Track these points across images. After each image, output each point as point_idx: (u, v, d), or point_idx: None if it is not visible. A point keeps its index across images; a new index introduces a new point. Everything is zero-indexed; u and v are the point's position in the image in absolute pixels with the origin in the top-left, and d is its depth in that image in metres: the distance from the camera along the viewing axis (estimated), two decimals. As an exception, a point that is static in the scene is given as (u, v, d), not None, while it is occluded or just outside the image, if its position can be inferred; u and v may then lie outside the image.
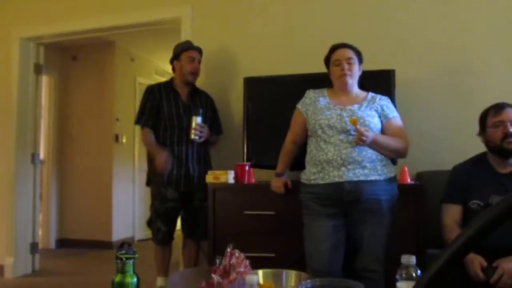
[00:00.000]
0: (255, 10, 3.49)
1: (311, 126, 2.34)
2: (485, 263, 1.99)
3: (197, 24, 3.58)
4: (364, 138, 2.10)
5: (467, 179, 2.23)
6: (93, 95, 5.70)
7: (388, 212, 2.24)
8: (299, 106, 2.47)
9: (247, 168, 2.88)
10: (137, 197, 6.06)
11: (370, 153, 2.21)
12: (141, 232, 6.00)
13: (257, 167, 3.01)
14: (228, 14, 3.55)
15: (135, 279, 1.42)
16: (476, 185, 2.19)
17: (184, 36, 3.55)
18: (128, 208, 5.91)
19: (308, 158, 2.36)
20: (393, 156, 2.34)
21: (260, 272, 1.73)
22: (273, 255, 2.64)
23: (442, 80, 3.08)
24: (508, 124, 2.15)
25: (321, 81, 2.52)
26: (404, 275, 1.43)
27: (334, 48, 2.40)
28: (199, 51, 3.20)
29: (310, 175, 2.30)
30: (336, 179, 2.20)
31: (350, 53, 2.35)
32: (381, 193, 2.21)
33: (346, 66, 2.33)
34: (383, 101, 2.37)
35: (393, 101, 2.78)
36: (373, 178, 2.20)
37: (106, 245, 5.39)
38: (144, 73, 6.24)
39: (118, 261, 1.42)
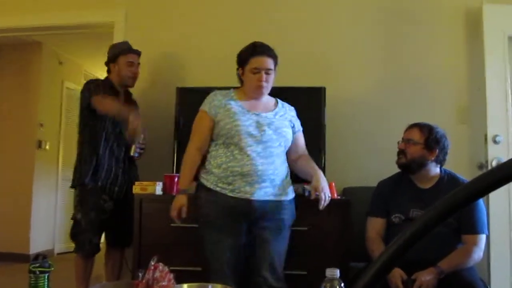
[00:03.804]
0: (190, 20, 3.47)
1: (224, 131, 2.16)
2: (405, 276, 2.08)
3: (130, 30, 3.49)
4: (327, 199, 2.09)
5: (390, 193, 2.34)
6: (16, 97, 5.37)
7: (288, 231, 2.24)
8: (205, 108, 2.26)
9: (176, 179, 2.82)
10: (59, 207, 5.75)
11: (282, 171, 2.19)
12: (62, 244, 5.69)
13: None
14: (163, 21, 3.49)
15: (49, 294, 1.33)
16: (398, 200, 2.30)
17: (117, 42, 3.44)
18: (49, 219, 5.59)
19: (214, 162, 2.19)
20: None
21: (185, 286, 1.69)
22: (199, 269, 2.59)
23: (368, 99, 3.21)
24: (403, 141, 2.32)
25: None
26: (328, 288, 1.45)
27: (255, 53, 2.23)
28: (138, 54, 3.05)
29: (218, 181, 2.15)
30: (247, 196, 2.12)
31: (270, 64, 2.22)
32: (285, 212, 2.20)
33: (264, 77, 2.20)
34: (292, 112, 2.34)
35: (322, 119, 2.87)
36: (281, 198, 2.18)
37: (22, 258, 5.05)
38: (73, 78, 5.98)
39: (31, 275, 1.34)
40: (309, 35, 3.30)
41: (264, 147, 2.14)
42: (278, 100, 2.36)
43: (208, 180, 2.18)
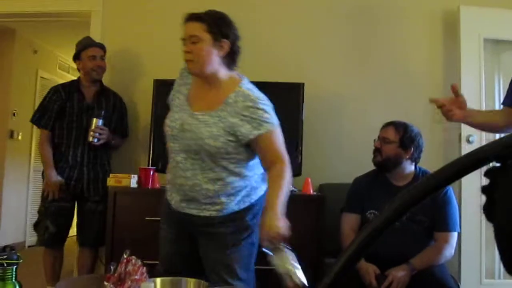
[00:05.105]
0: (168, 11, 3.41)
1: None
2: (378, 272, 2.11)
3: (107, 19, 3.42)
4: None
5: (366, 190, 2.36)
6: (-14, 85, 5.23)
7: (235, 244, 1.77)
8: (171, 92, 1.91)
9: (151, 172, 2.78)
10: (30, 198, 5.63)
11: (205, 189, 1.71)
12: (34, 237, 5.56)
13: (164, 172, 2.92)
14: (141, 12, 3.43)
15: (17, 288, 1.30)
16: (373, 196, 2.32)
17: (94, 31, 3.38)
18: (20, 211, 5.47)
19: None
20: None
21: (158, 280, 1.66)
22: (174, 262, 2.57)
23: (346, 97, 3.23)
24: (379, 140, 2.34)
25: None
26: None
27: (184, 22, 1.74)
28: (101, 47, 3.04)
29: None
30: (172, 202, 1.82)
31: (195, 29, 1.70)
32: (217, 227, 1.77)
33: (188, 47, 1.70)
34: (248, 110, 1.64)
35: (300, 115, 2.85)
36: (207, 214, 1.75)
37: (-9, 250, 4.93)
38: (47, 67, 5.85)
39: (-2, 267, 1.29)
40: (288, 31, 3.29)
41: (185, 157, 1.71)
42: (241, 85, 1.72)
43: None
